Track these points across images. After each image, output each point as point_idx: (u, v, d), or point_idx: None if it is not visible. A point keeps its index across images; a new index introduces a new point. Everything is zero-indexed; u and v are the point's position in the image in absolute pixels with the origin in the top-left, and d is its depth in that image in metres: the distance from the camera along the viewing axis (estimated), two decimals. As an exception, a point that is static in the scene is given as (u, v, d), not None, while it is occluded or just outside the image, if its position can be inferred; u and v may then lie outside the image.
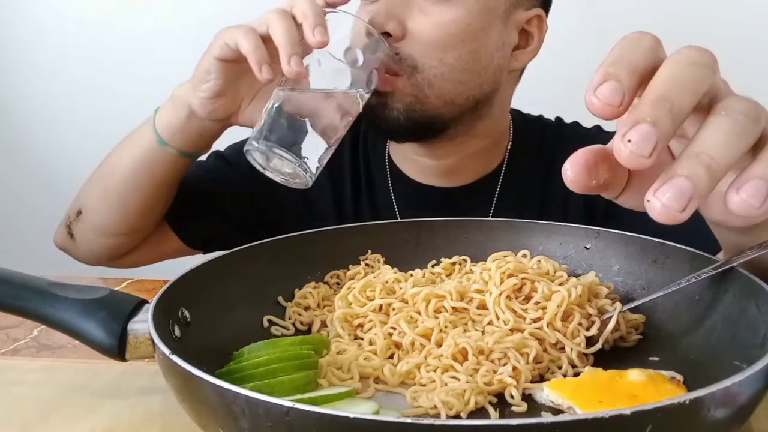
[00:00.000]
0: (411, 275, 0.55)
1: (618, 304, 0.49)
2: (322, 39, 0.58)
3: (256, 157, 0.60)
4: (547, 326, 0.47)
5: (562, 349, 0.47)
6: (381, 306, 0.52)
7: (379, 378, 0.45)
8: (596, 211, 0.81)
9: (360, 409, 0.40)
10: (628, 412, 0.29)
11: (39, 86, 1.62)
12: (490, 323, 0.49)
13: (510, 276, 0.50)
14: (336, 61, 0.61)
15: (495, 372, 0.43)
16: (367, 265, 0.59)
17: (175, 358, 0.36)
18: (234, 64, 0.65)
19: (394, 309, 0.51)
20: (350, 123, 0.63)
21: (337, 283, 0.58)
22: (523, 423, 0.29)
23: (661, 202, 0.32)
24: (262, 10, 0.63)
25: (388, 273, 0.55)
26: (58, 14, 1.58)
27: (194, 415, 0.37)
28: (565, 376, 0.45)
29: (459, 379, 0.43)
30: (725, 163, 0.33)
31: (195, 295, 0.48)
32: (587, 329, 0.48)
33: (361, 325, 0.51)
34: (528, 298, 0.50)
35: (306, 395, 0.40)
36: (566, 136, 0.87)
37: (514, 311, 0.49)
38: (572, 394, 0.40)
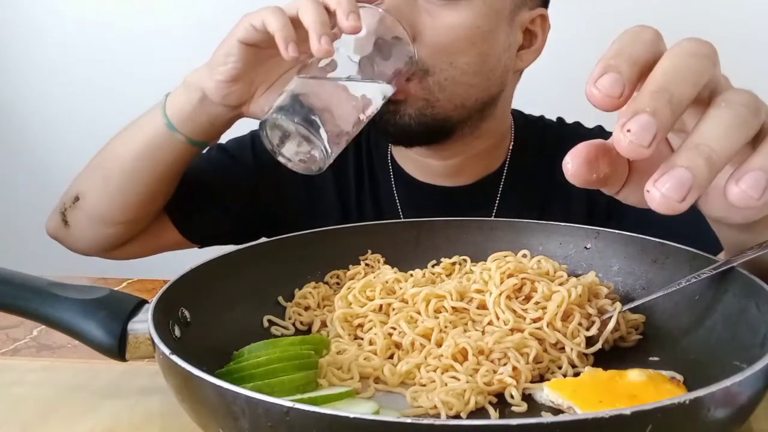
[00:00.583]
0: (411, 275, 0.55)
1: (618, 304, 0.49)
2: (356, 24, 0.57)
3: (271, 133, 0.57)
4: (547, 326, 0.47)
5: (562, 349, 0.47)
6: (381, 306, 0.52)
7: (379, 378, 0.45)
8: (598, 210, 0.81)
9: (360, 409, 0.40)
10: (628, 412, 0.29)
11: (39, 86, 1.63)
12: (490, 323, 0.49)
13: (510, 276, 0.50)
14: (359, 54, 0.60)
15: (495, 372, 0.43)
16: (367, 265, 0.59)
17: (175, 358, 0.36)
18: (255, 50, 0.64)
19: (394, 309, 0.51)
20: (371, 116, 0.61)
21: (337, 283, 0.58)
22: (523, 423, 0.29)
23: (661, 192, 0.32)
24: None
25: (388, 273, 0.55)
26: (58, 14, 1.58)
27: (194, 415, 0.37)
28: (565, 376, 0.45)
29: (459, 379, 0.43)
30: (725, 155, 0.33)
31: (195, 295, 0.48)
32: (587, 329, 0.48)
33: (361, 325, 0.51)
34: (528, 298, 0.50)
35: (306, 395, 0.40)
36: (568, 136, 0.87)
37: (514, 311, 0.49)
38: (572, 394, 0.40)
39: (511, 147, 0.85)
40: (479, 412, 0.41)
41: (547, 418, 0.29)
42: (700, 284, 0.47)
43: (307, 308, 0.55)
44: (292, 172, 0.88)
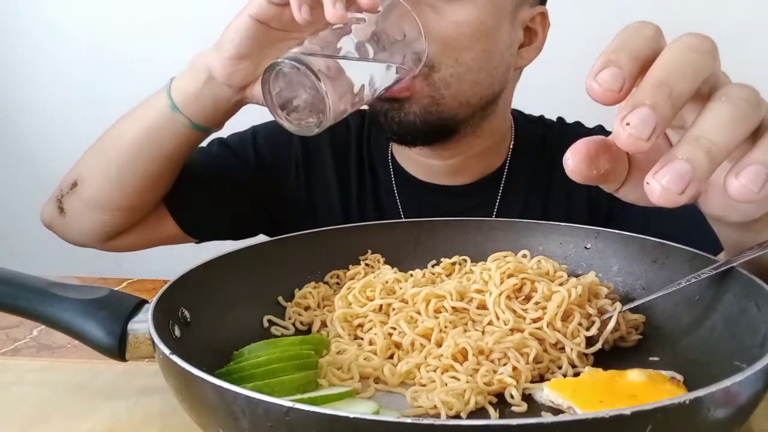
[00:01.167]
0: (411, 275, 0.55)
1: (618, 304, 0.49)
2: (375, 2, 0.57)
3: (273, 80, 0.54)
4: (547, 326, 0.47)
5: (562, 349, 0.47)
6: (381, 306, 0.52)
7: (379, 378, 0.45)
8: (599, 210, 0.81)
9: (360, 409, 0.40)
10: (628, 412, 0.29)
11: (39, 86, 1.63)
12: (490, 323, 0.49)
13: (510, 276, 0.50)
14: (369, 38, 0.59)
15: (495, 372, 0.43)
16: (367, 265, 0.59)
17: (175, 358, 0.36)
18: (266, 28, 0.64)
19: (394, 309, 0.51)
20: (370, 97, 0.60)
21: (337, 283, 0.58)
22: (523, 423, 0.29)
23: (661, 185, 0.32)
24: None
25: (388, 273, 0.55)
26: (58, 14, 1.58)
27: (194, 415, 0.37)
28: (565, 376, 0.45)
29: (459, 379, 0.43)
30: (725, 148, 0.33)
31: (195, 295, 0.48)
32: (587, 329, 0.48)
33: (361, 325, 0.51)
34: (528, 298, 0.50)
35: (306, 395, 0.40)
36: (568, 135, 0.86)
37: (514, 311, 0.49)
38: (572, 394, 0.40)
39: (511, 147, 0.85)
40: (479, 412, 0.41)
41: (547, 418, 0.29)
42: (700, 284, 0.47)
43: (307, 308, 0.55)
44: (293, 170, 0.88)
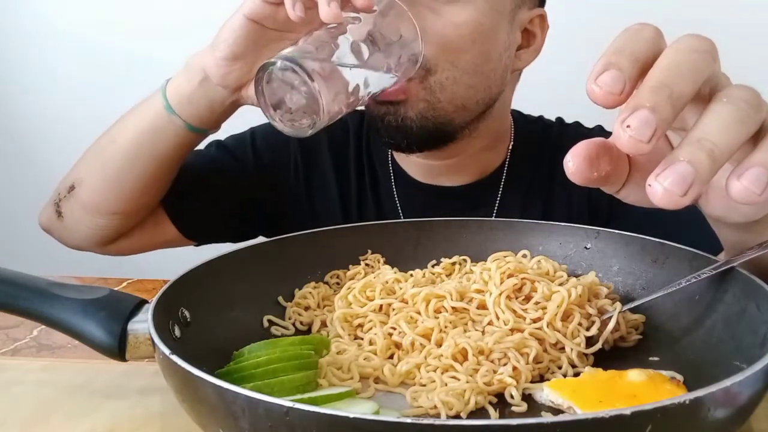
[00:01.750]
0: (411, 275, 0.55)
1: (618, 304, 0.49)
2: (370, 2, 0.56)
3: (267, 81, 0.53)
4: (547, 326, 0.47)
5: (562, 349, 0.47)
6: (381, 306, 0.52)
7: (379, 378, 0.45)
8: (600, 211, 0.81)
9: (360, 409, 0.40)
10: (628, 412, 0.29)
11: (40, 86, 1.63)
12: (490, 323, 0.49)
13: (510, 276, 0.50)
14: (364, 38, 0.58)
15: (495, 372, 0.43)
16: (367, 265, 0.59)
17: (175, 358, 0.36)
18: (260, 28, 0.63)
19: (394, 309, 0.51)
20: (364, 98, 0.59)
21: (337, 283, 0.58)
22: (523, 423, 0.29)
23: (663, 187, 0.32)
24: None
25: (388, 273, 0.55)
26: (59, 14, 1.58)
27: (194, 415, 0.37)
28: (565, 376, 0.45)
29: (459, 379, 0.43)
30: (727, 149, 0.33)
31: (195, 295, 0.48)
32: (587, 329, 0.48)
33: (361, 325, 0.51)
34: (528, 298, 0.50)
35: (306, 395, 0.40)
36: (568, 135, 0.87)
37: (514, 311, 0.49)
38: (572, 394, 0.40)
39: (510, 147, 0.85)
40: (479, 412, 0.41)
41: (547, 418, 0.29)
42: (700, 284, 0.47)
43: (307, 308, 0.55)
44: (293, 171, 0.88)
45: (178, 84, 0.70)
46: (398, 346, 0.48)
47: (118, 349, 0.44)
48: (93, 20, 1.57)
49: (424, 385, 0.43)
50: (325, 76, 0.53)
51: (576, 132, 0.88)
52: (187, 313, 0.46)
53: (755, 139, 0.35)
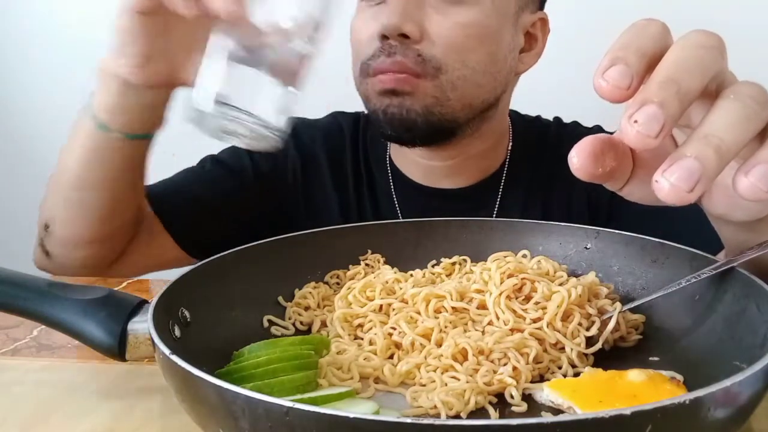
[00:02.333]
0: (411, 275, 0.55)
1: (618, 304, 0.49)
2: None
3: (204, 124, 0.48)
4: (547, 326, 0.47)
5: (562, 349, 0.47)
6: (381, 306, 0.51)
7: (379, 378, 0.45)
8: (600, 211, 0.81)
9: (360, 409, 0.40)
10: (628, 412, 0.29)
11: (40, 86, 1.62)
12: (490, 323, 0.49)
13: (510, 276, 0.50)
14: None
15: (495, 372, 0.43)
16: (367, 265, 0.59)
17: (175, 358, 0.36)
18: (156, 18, 0.56)
19: (394, 309, 0.51)
20: (310, 60, 0.51)
21: (337, 283, 0.58)
22: (523, 423, 0.29)
23: (670, 182, 0.32)
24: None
25: (388, 273, 0.55)
26: (59, 14, 1.58)
27: (194, 415, 0.37)
28: (565, 376, 0.45)
29: (459, 379, 0.43)
30: (734, 146, 0.33)
31: (195, 295, 0.48)
32: (587, 329, 0.48)
33: (361, 325, 0.51)
34: (528, 299, 0.50)
35: (306, 395, 0.40)
36: (567, 135, 0.87)
37: (514, 311, 0.48)
38: (572, 394, 0.40)
39: (510, 148, 0.85)
40: (479, 412, 0.41)
41: (547, 418, 0.29)
42: (700, 284, 0.47)
43: (307, 308, 0.55)
44: (291, 176, 0.87)
45: (103, 99, 0.64)
46: (398, 346, 0.48)
47: (118, 349, 0.44)
48: (93, 20, 1.57)
49: (424, 385, 0.43)
50: (270, 97, 0.48)
51: (575, 131, 0.88)
52: (187, 313, 0.46)
53: (762, 135, 0.35)
